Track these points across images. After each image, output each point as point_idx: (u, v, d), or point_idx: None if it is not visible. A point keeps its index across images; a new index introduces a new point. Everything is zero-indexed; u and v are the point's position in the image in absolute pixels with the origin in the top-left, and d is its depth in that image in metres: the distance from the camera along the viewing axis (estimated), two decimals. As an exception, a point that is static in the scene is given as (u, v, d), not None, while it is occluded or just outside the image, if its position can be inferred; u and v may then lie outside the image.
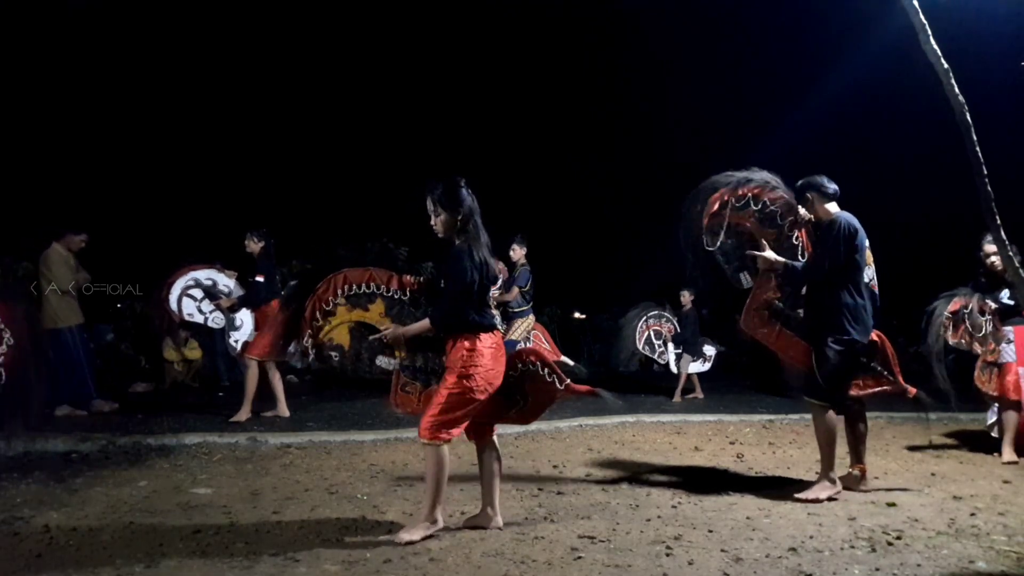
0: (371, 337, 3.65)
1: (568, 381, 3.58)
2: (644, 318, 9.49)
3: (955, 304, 5.56)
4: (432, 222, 3.51)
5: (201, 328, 8.54)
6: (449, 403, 3.33)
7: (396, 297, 3.70)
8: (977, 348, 5.60)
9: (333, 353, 3.73)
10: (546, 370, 3.56)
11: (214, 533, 3.47)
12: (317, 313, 3.66)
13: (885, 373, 4.46)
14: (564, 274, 15.33)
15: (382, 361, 3.72)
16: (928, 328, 5.47)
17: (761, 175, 4.42)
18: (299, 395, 8.15)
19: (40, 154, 13.08)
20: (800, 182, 4.39)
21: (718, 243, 4.38)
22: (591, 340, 14.42)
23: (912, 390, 4.50)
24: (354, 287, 3.70)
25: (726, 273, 4.49)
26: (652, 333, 9.49)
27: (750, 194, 4.35)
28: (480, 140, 16.20)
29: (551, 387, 3.56)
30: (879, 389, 4.48)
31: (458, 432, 3.41)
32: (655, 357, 9.57)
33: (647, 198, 17.43)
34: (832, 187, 4.34)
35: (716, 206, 4.33)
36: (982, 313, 5.51)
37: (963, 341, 5.62)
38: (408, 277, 3.77)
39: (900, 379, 4.47)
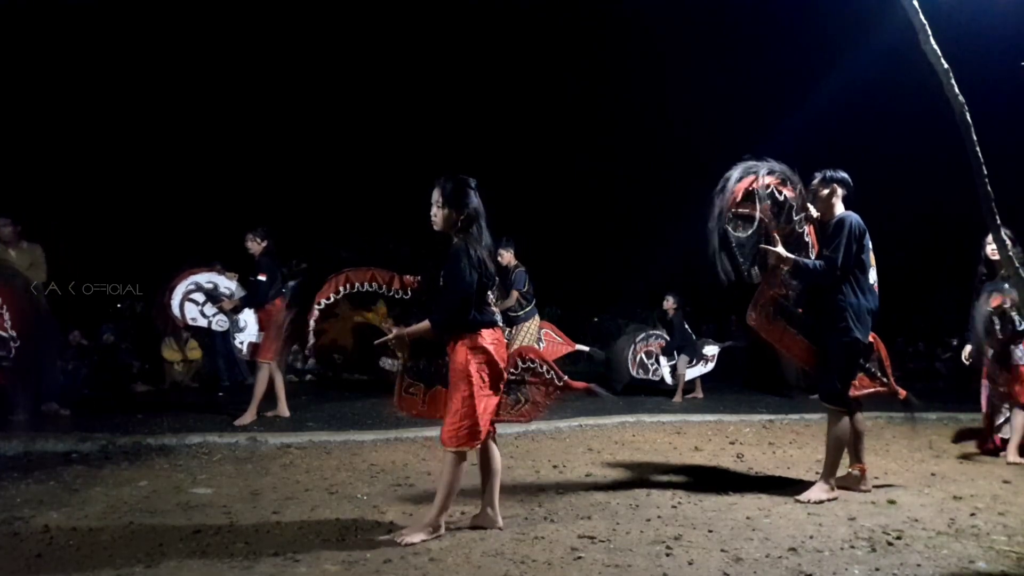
0: (376, 342, 3.65)
1: (566, 378, 3.65)
2: (633, 344, 9.38)
3: (996, 300, 5.37)
4: (433, 213, 3.48)
5: (202, 329, 8.54)
6: (467, 409, 3.32)
7: (398, 297, 3.70)
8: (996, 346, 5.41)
9: (336, 355, 3.73)
10: (545, 367, 3.62)
11: (214, 533, 3.47)
12: (319, 313, 3.66)
13: (879, 374, 4.49)
14: (564, 274, 15.35)
15: (385, 363, 3.73)
16: (974, 323, 5.36)
17: (781, 166, 4.30)
18: (299, 395, 8.14)
19: (41, 154, 13.07)
20: (828, 172, 4.37)
21: (741, 234, 4.25)
22: (591, 341, 14.42)
23: (903, 392, 4.54)
24: (356, 286, 3.69)
25: (740, 265, 4.45)
26: (643, 355, 9.39)
27: (773, 185, 4.24)
28: (481, 140, 16.19)
29: (551, 384, 3.61)
30: (873, 390, 4.50)
31: (484, 435, 3.39)
32: (650, 376, 9.44)
33: (647, 198, 17.46)
34: (851, 188, 4.36)
35: (741, 195, 4.19)
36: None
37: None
38: (409, 277, 3.77)
39: (892, 381, 4.51)
